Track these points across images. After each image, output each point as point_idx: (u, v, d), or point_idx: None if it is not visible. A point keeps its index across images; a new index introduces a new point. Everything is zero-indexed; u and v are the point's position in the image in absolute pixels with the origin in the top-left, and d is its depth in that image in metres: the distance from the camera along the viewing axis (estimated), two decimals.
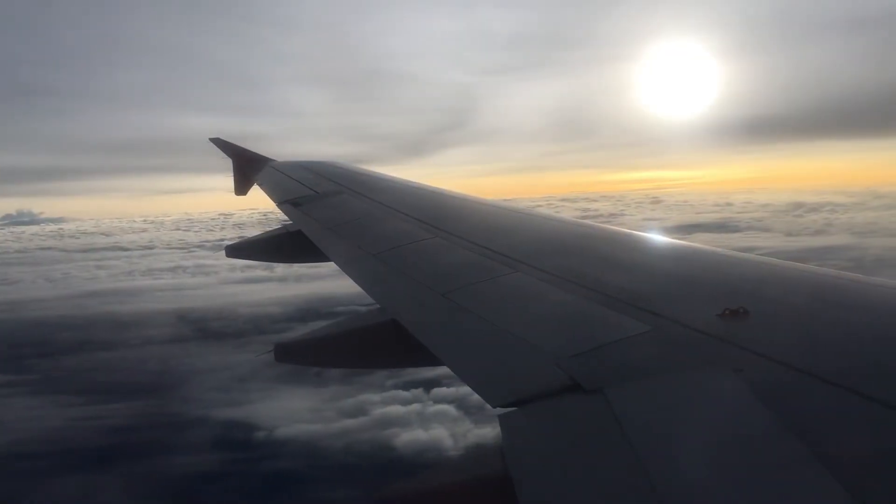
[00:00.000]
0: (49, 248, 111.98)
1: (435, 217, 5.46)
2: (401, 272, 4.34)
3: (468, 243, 4.58)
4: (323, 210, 6.49)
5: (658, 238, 4.73)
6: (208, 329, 46.13)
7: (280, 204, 7.12)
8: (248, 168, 9.50)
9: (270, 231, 6.96)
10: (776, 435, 2.02)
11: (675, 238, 4.80)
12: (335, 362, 4.56)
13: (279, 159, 9.66)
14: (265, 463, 26.20)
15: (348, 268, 4.73)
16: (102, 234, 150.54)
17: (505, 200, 6.79)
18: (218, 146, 10.10)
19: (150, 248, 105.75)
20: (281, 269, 64.45)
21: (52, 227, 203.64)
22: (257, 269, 67.38)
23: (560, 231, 5.12)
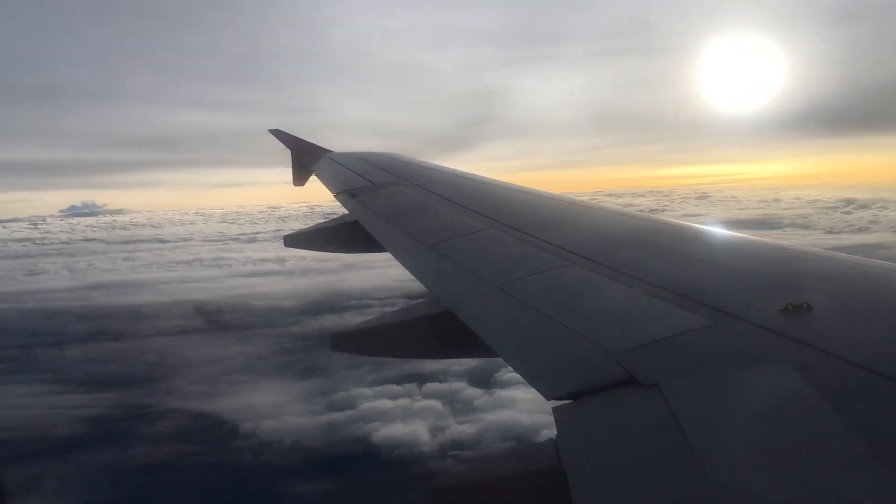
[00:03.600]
0: (93, 240, 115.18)
1: (491, 208, 5.48)
2: (456, 263, 4.37)
3: (524, 235, 4.60)
4: (379, 201, 6.56)
5: (719, 231, 4.66)
6: (208, 321, 46.64)
7: (337, 194, 7.24)
8: (306, 159, 9.64)
9: (327, 221, 7.11)
10: (839, 434, 1.97)
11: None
12: (389, 352, 4.66)
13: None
14: (232, 455, 26.56)
15: (404, 258, 4.84)
16: (152, 226, 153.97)
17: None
18: (277, 137, 10.28)
19: (187, 240, 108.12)
20: (292, 262, 65.33)
21: (109, 218, 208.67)
22: (270, 262, 68.53)
23: (618, 223, 5.10)
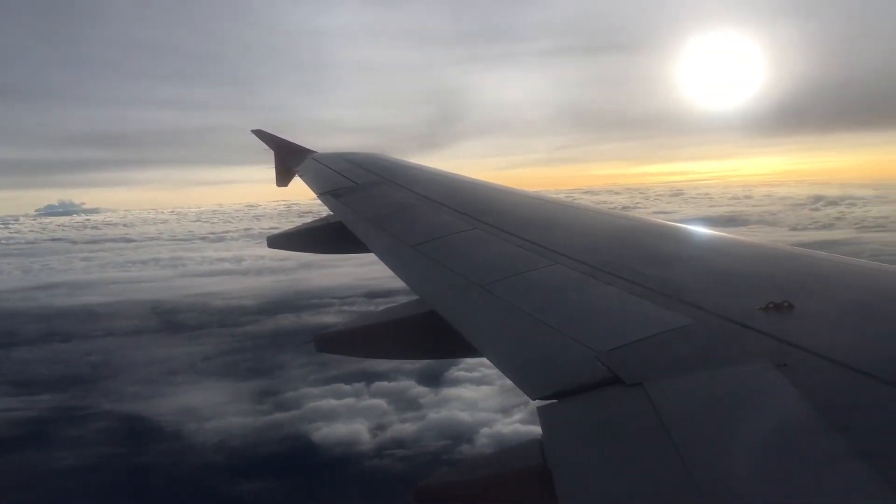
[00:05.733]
0: (60, 240, 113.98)
1: (475, 208, 5.48)
2: (441, 264, 4.37)
3: (508, 235, 4.61)
4: (364, 201, 6.57)
5: (701, 230, 4.67)
6: (154, 322, 46.07)
7: (321, 195, 7.22)
8: (289, 159, 9.58)
9: (311, 222, 7.07)
10: (820, 431, 1.99)
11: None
12: (374, 353, 4.62)
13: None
14: (169, 456, 26.44)
15: (388, 259, 4.83)
16: (124, 225, 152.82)
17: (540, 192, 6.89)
18: (260, 138, 10.20)
19: (154, 239, 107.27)
20: (248, 262, 65.03)
21: (83, 217, 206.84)
22: (227, 262, 68.07)
23: (600, 222, 5.13)
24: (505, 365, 2.93)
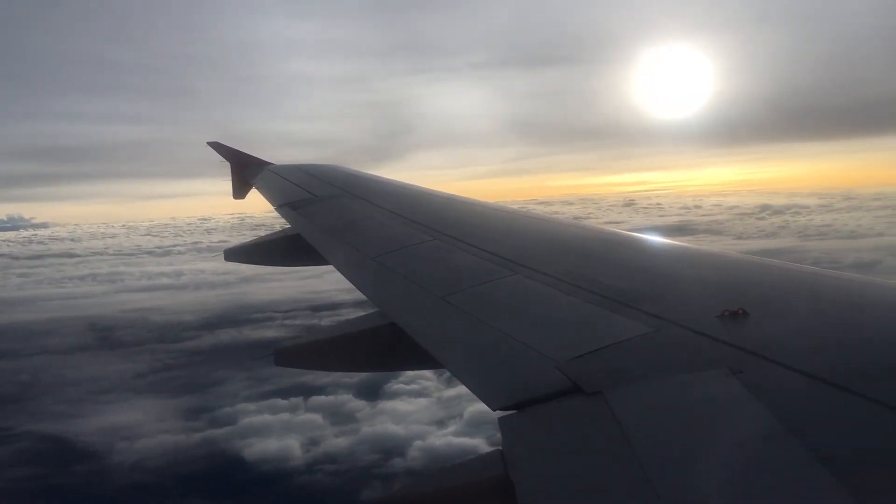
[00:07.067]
0: (1, 255, 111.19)
1: (434, 220, 5.46)
2: (400, 275, 4.35)
3: (467, 246, 4.61)
4: (322, 213, 6.52)
5: (657, 240, 4.71)
6: (84, 339, 44.83)
7: (279, 207, 7.12)
8: (246, 172, 9.47)
9: (268, 234, 6.95)
10: (776, 436, 2.01)
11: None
12: (333, 366, 4.63)
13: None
14: (98, 477, 25.86)
15: (347, 271, 4.80)
16: (71, 240, 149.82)
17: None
18: (217, 150, 10.01)
19: (99, 254, 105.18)
20: (188, 276, 64.09)
21: (30, 232, 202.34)
22: (166, 276, 67.03)
23: (560, 233, 5.16)
24: (465, 376, 2.96)
